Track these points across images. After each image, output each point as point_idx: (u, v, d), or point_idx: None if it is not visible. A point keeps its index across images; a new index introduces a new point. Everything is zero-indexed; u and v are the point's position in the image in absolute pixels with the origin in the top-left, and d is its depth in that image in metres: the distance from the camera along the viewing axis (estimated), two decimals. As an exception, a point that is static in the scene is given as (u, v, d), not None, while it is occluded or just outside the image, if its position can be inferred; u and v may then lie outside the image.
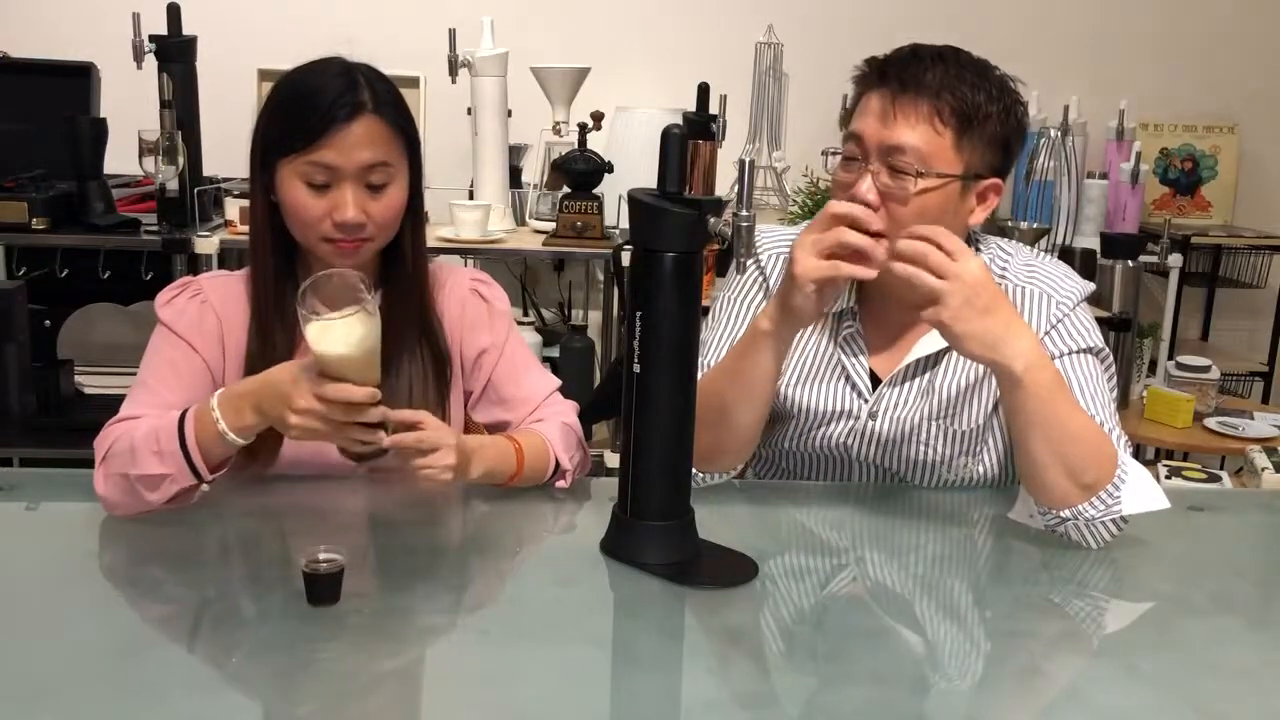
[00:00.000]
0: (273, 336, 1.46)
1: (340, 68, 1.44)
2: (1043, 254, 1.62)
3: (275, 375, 1.31)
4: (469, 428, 1.64)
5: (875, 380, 1.57)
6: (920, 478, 1.59)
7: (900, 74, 1.43)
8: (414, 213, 1.51)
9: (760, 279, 1.62)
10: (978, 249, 1.58)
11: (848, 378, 1.57)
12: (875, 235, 1.36)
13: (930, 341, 1.52)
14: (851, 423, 1.57)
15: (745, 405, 1.44)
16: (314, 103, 1.40)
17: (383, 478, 1.49)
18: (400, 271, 1.52)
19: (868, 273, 1.35)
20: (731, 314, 1.62)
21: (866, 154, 1.44)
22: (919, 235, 1.33)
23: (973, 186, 1.46)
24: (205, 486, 1.36)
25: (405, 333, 1.50)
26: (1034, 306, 1.52)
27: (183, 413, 1.35)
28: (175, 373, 1.46)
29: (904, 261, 1.32)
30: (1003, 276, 1.55)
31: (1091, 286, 1.58)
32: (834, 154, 1.50)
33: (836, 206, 1.37)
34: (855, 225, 1.36)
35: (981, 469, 1.58)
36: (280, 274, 1.47)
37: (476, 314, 1.59)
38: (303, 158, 1.40)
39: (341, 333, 1.24)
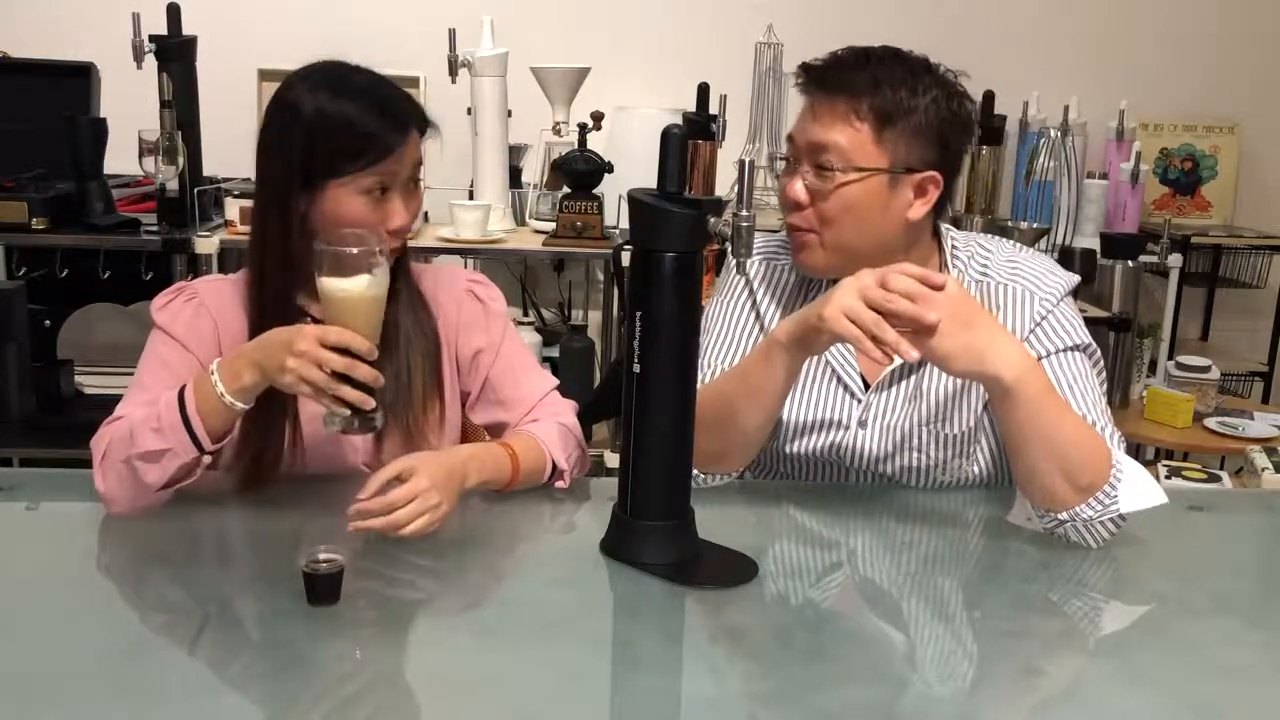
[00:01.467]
0: None
1: (367, 80, 1.46)
2: (1023, 248, 1.61)
3: (277, 331, 1.32)
4: (467, 430, 1.65)
5: (865, 385, 1.56)
6: (915, 481, 1.59)
7: (822, 76, 1.48)
8: None
9: (744, 282, 1.63)
10: (954, 248, 1.57)
11: (839, 379, 1.56)
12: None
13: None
14: (843, 433, 1.56)
15: (754, 412, 1.44)
16: (369, 123, 1.41)
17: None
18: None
19: (883, 357, 1.32)
20: (720, 317, 1.63)
21: (798, 156, 1.49)
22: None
23: (905, 180, 1.46)
24: (207, 459, 1.36)
25: (402, 310, 1.51)
26: (1017, 304, 1.52)
27: (183, 385, 1.35)
28: (171, 374, 1.45)
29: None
30: (984, 274, 1.55)
31: (1076, 279, 1.57)
32: (780, 159, 1.54)
33: (900, 304, 1.29)
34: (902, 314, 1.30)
35: (976, 469, 1.58)
36: (287, 288, 1.47)
37: (472, 315, 1.60)
38: (366, 173, 1.42)
39: (355, 289, 1.29)
